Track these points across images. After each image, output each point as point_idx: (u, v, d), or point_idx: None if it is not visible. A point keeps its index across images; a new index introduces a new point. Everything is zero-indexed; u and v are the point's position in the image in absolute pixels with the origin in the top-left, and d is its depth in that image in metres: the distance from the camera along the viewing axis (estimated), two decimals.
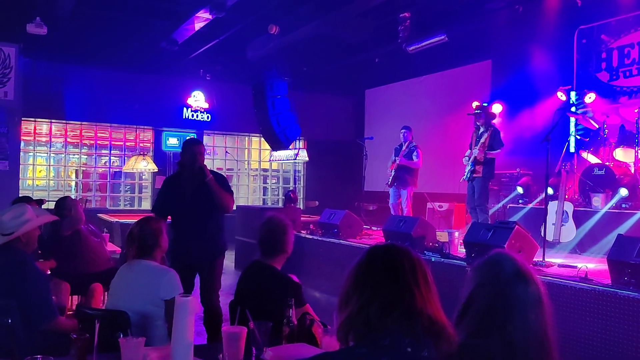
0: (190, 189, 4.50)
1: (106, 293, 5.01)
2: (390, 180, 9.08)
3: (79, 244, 5.33)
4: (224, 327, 2.33)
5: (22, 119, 11.01)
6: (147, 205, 13.08)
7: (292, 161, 14.21)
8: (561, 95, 8.82)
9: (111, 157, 13.11)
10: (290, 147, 12.62)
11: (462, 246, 6.40)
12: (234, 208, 4.64)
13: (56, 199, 5.49)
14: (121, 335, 2.39)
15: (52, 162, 12.70)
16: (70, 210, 5.32)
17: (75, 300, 5.24)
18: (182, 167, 4.61)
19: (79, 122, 12.52)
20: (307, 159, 13.70)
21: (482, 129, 7.86)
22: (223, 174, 4.99)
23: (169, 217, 4.64)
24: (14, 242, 3.29)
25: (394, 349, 1.28)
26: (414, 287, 1.37)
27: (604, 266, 5.15)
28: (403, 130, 9.14)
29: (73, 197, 5.75)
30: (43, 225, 5.31)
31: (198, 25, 9.86)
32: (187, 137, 4.80)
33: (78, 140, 12.74)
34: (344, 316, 1.39)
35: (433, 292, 1.41)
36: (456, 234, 6.60)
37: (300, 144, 14.22)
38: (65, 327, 3.20)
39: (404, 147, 9.03)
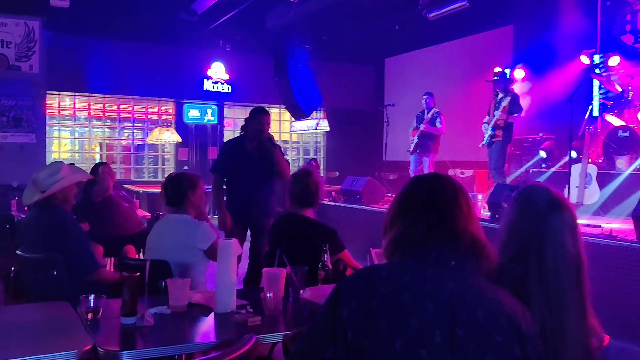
0: (254, 154, 4.82)
1: (138, 255, 5.20)
2: (412, 146, 9.08)
3: (109, 209, 5.53)
4: (264, 269, 2.44)
5: (47, 92, 11.16)
6: None
7: (313, 131, 14.23)
8: (585, 59, 8.70)
9: (134, 130, 13.26)
10: (311, 117, 12.64)
11: (486, 209, 6.48)
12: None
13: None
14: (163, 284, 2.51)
15: (77, 135, 12.88)
16: (100, 177, 5.52)
17: (107, 262, 5.41)
18: (245, 131, 4.95)
19: (102, 95, 12.63)
20: (328, 128, 13.69)
21: (501, 95, 7.90)
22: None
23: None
24: (52, 199, 3.38)
25: (439, 262, 1.36)
26: (456, 208, 1.44)
27: (627, 226, 5.19)
28: (425, 97, 9.09)
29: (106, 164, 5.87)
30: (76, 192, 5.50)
31: None
32: (256, 107, 5.14)
33: (101, 114, 12.89)
34: (389, 237, 1.46)
35: (474, 215, 1.48)
36: (479, 196, 6.66)
37: (320, 114, 14.22)
38: (108, 277, 3.34)
39: (427, 114, 8.99)
